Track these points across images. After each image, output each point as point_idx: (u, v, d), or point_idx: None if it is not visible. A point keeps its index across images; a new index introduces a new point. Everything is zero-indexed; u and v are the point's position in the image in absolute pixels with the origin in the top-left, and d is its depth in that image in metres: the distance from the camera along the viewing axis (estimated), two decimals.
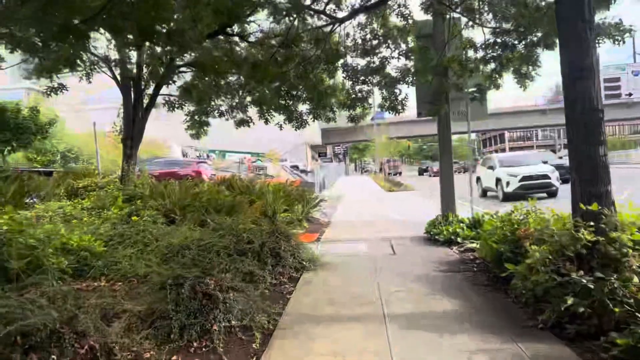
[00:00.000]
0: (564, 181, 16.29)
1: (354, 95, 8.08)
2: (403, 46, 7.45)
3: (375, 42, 7.23)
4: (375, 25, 7.26)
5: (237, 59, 6.50)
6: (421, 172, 64.93)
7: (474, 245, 7.07)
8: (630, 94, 44.17)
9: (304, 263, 6.18)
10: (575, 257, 3.70)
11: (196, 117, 10.26)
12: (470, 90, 8.93)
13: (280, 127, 9.61)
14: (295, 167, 40.44)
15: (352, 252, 7.41)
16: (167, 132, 50.93)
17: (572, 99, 4.20)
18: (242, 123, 10.46)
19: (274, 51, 7.06)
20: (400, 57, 7.25)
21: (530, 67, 6.93)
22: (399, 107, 7.77)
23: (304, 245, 6.85)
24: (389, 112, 8.23)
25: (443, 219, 8.35)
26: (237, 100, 9.67)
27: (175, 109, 11.56)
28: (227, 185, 10.85)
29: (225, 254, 5.70)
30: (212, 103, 9.86)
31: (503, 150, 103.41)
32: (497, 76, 7.56)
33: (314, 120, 9.08)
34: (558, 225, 4.06)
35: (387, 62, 7.40)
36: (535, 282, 3.72)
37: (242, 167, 26.25)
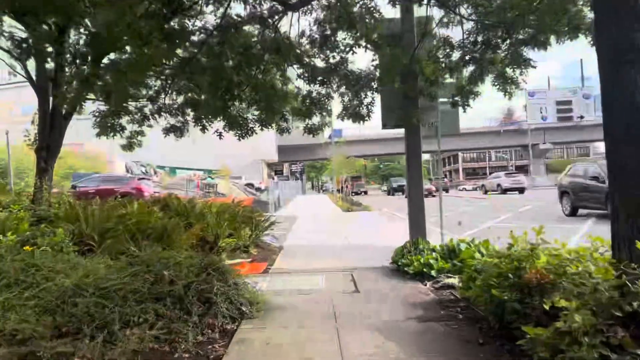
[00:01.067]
0: None
1: (309, 101, 6.81)
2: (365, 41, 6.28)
3: (334, 24, 6.03)
4: (334, 14, 6.06)
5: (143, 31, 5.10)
6: (391, 191, 58.04)
7: (452, 281, 5.90)
8: (581, 117, 45.34)
9: (244, 309, 4.80)
10: (629, 319, 2.53)
11: (109, 119, 8.56)
12: (446, 99, 7.92)
13: (220, 135, 8.19)
14: (250, 184, 38.87)
15: (306, 289, 6.08)
16: (113, 146, 48.32)
17: (617, 89, 3.09)
18: (172, 131, 8.99)
19: (206, 36, 5.72)
20: (367, 46, 6.04)
21: (518, 71, 5.91)
22: (364, 113, 6.59)
23: (246, 282, 5.47)
24: (353, 121, 7.04)
25: (412, 246, 7.17)
26: (164, 101, 8.18)
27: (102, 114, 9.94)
28: (163, 205, 9.33)
29: (134, 300, 4.27)
30: (133, 103, 8.24)
31: (456, 171, 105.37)
32: (476, 81, 6.52)
33: (261, 129, 7.73)
34: (600, 272, 2.88)
35: (350, 51, 6.19)
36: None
37: (191, 185, 24.53)
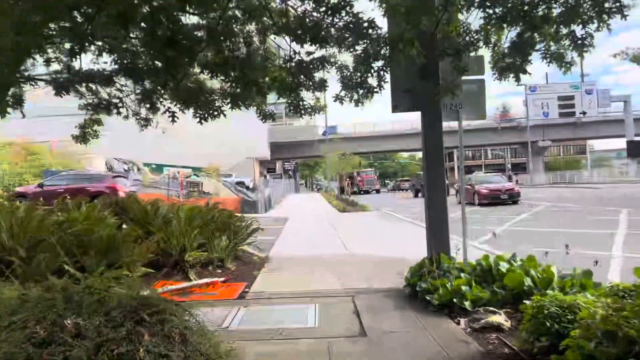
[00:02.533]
0: None
1: (295, 67, 5.02)
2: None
3: None
4: None
5: None
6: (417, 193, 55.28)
7: (496, 319, 4.21)
8: (584, 113, 43.94)
9: None
10: None
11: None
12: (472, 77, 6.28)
13: (173, 117, 6.38)
14: (241, 183, 37.05)
15: (292, 329, 4.38)
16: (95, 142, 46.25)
17: None
18: (101, 109, 7.16)
19: None
20: None
21: (594, 26, 4.17)
22: (373, 86, 4.87)
23: (205, 326, 3.74)
24: (356, 104, 5.33)
25: (432, 263, 5.48)
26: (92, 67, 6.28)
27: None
28: (119, 208, 7.58)
29: None
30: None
31: (452, 169, 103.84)
32: (525, 47, 4.83)
33: (231, 108, 5.94)
34: None
35: None
36: None
37: (175, 183, 22.74)
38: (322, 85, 5.24)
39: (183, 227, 7.04)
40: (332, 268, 7.35)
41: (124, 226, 7.06)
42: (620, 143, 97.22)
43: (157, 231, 6.81)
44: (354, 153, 48.07)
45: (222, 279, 6.38)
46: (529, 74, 6.01)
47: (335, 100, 5.77)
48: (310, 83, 5.13)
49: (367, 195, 48.46)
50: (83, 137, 8.52)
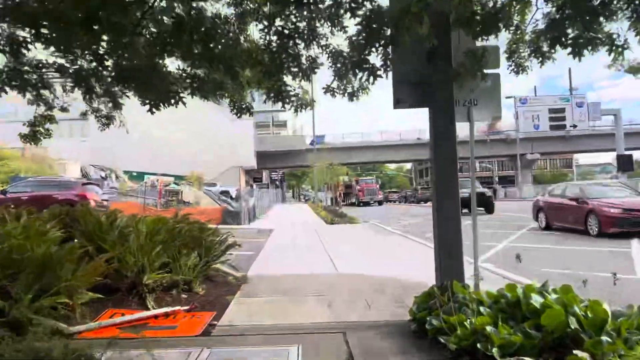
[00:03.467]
0: None
1: (277, 45, 3.96)
2: None
3: None
4: None
5: None
6: (415, 199, 53.48)
7: None
8: (574, 126, 43.56)
9: None
10: None
11: None
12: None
13: (115, 104, 5.24)
14: (226, 192, 35.81)
15: None
16: (67, 147, 44.70)
17: None
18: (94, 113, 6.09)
19: None
20: None
21: None
22: (379, 69, 3.85)
23: None
24: (350, 98, 4.33)
25: (444, 293, 4.42)
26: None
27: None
28: (69, 220, 6.41)
29: None
30: None
31: None
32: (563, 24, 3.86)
33: (191, 95, 4.84)
34: None
35: None
36: None
37: (154, 192, 21.52)
38: (311, 68, 4.19)
39: (142, 243, 5.91)
40: (319, 292, 6.26)
41: (76, 241, 5.93)
42: (606, 158, 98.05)
43: (109, 248, 5.67)
44: (341, 164, 47.13)
45: (186, 307, 5.25)
46: (554, 59, 5.09)
47: (326, 92, 4.75)
48: (296, 64, 4.08)
49: (359, 208, 45.53)
50: (33, 136, 7.42)
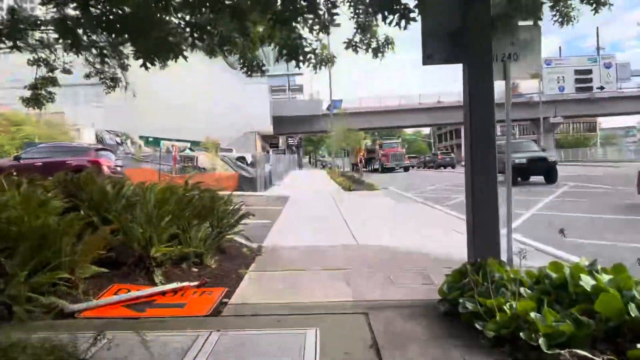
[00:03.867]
0: None
1: None
2: None
3: None
4: None
5: None
6: (435, 164, 53.88)
7: None
8: (601, 87, 41.82)
9: None
10: None
11: None
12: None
13: (103, 59, 4.77)
14: (242, 158, 35.55)
15: None
16: (84, 111, 44.62)
17: None
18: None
19: None
20: None
21: None
22: (412, 10, 3.31)
23: None
24: (378, 52, 3.79)
25: (477, 271, 3.97)
26: None
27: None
28: (73, 188, 6.06)
29: None
30: None
31: (459, 146, 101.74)
32: None
33: (191, 48, 4.31)
34: None
35: None
36: None
37: (169, 158, 21.23)
38: (330, 14, 3.64)
39: (150, 213, 5.54)
40: (338, 266, 5.87)
41: (80, 212, 5.59)
42: (631, 121, 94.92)
43: (114, 218, 5.32)
44: (359, 129, 46.25)
45: (196, 283, 4.89)
46: (611, 5, 4.47)
47: (347, 47, 4.23)
48: (312, 10, 3.53)
49: (383, 175, 42.47)
50: (35, 100, 7.01)
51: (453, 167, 52.25)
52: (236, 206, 6.83)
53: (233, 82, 46.72)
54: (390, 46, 4.53)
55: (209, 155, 23.17)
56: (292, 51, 3.81)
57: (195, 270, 5.49)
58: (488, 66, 4.18)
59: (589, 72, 40.42)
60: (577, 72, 40.74)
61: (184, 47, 4.18)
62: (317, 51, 4.08)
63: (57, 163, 14.62)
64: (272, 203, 14.66)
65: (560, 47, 54.04)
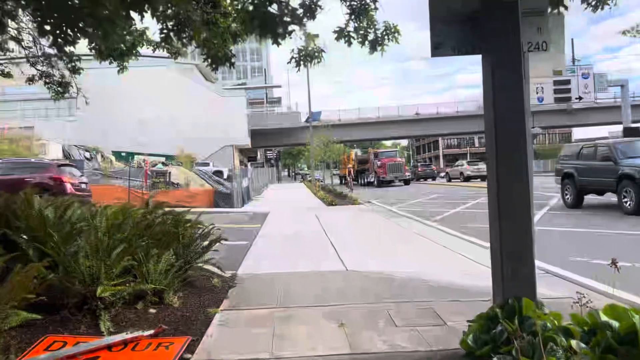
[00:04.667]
0: None
1: None
2: None
3: None
4: None
5: None
6: (415, 176, 48.72)
7: None
8: (579, 98, 42.04)
9: None
10: None
11: None
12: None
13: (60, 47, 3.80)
14: (219, 172, 34.43)
15: None
16: (49, 126, 42.97)
17: None
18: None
19: None
20: None
21: None
22: None
23: None
24: (376, 45, 2.94)
25: (510, 317, 3.08)
26: None
27: None
28: (9, 214, 4.99)
29: None
30: None
31: (437, 157, 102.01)
32: None
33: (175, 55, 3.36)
34: None
35: None
36: None
37: (140, 173, 20.06)
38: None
39: (98, 243, 4.53)
40: (326, 300, 4.95)
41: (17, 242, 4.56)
42: (603, 132, 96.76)
43: (52, 251, 4.30)
44: (339, 141, 45.42)
45: (151, 331, 3.90)
46: None
47: (338, 38, 3.38)
48: None
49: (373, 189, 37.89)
50: None
51: (433, 178, 51.86)
52: (206, 229, 5.85)
53: (210, 95, 45.73)
54: (393, 36, 3.68)
55: (183, 169, 22.03)
56: (267, 22, 2.88)
57: (153, 311, 4.49)
58: (516, 56, 3.34)
59: (568, 82, 40.51)
60: (555, 82, 40.86)
61: (118, 23, 3.24)
62: (301, 35, 3.21)
63: (15, 181, 13.39)
64: (250, 221, 13.66)
65: None
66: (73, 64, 6.02)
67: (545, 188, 20.06)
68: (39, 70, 5.98)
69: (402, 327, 4.02)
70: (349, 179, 35.17)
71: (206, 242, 5.67)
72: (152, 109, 42.98)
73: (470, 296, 4.95)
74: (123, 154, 36.29)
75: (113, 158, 28.14)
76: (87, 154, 24.65)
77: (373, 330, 3.96)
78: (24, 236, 4.66)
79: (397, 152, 46.54)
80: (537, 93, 44.43)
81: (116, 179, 19.88)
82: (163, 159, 30.98)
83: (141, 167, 20.64)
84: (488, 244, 8.23)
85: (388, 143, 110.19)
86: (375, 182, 40.18)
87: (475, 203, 17.53)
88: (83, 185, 14.60)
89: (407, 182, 39.80)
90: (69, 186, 13.78)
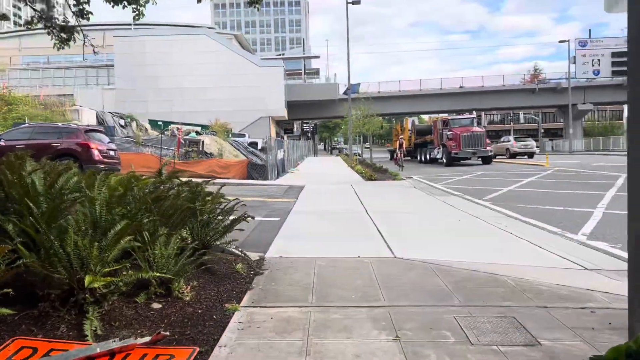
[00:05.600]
0: None
1: None
2: None
3: None
4: None
5: None
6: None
7: None
8: None
9: None
10: None
11: None
12: None
13: None
14: (254, 144, 33.72)
15: None
16: (95, 95, 43.13)
17: None
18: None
19: None
20: None
21: None
22: None
23: None
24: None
25: None
26: None
27: None
28: None
29: None
30: None
31: None
32: None
33: None
34: None
35: None
36: None
37: (173, 142, 19.43)
38: None
39: (93, 219, 3.63)
40: (374, 297, 3.93)
41: None
42: None
43: (29, 228, 3.42)
44: (378, 114, 43.81)
45: (147, 338, 2.98)
46: None
47: None
48: None
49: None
50: None
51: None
52: (227, 204, 4.89)
53: (248, 66, 44.81)
54: None
55: (217, 139, 21.28)
56: None
57: (157, 306, 3.59)
58: None
59: (626, 53, 37.43)
60: (614, 54, 37.82)
61: None
62: None
63: (41, 145, 12.87)
64: (284, 195, 12.75)
65: (590, 30, 50.73)
66: (80, 6, 5.09)
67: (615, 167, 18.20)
68: (37, 11, 5.05)
69: (479, 345, 2.97)
70: (398, 153, 28.00)
71: (226, 222, 4.71)
72: (191, 79, 42.64)
73: (561, 301, 3.84)
74: (159, 123, 35.90)
75: (148, 126, 27.66)
76: (122, 122, 24.20)
77: (441, 349, 2.92)
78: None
79: (473, 119, 33.97)
80: (592, 65, 41.46)
81: (149, 147, 19.31)
82: (198, 129, 30.40)
83: (174, 135, 19.98)
84: (556, 228, 6.86)
85: (425, 117, 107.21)
86: (444, 159, 30.61)
87: (527, 182, 16.06)
88: (112, 153, 13.97)
89: (487, 159, 29.85)
90: (96, 152, 13.15)
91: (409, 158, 36.92)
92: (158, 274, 3.71)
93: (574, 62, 41.11)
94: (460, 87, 53.41)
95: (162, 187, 4.53)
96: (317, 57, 64.61)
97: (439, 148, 31.92)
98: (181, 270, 3.87)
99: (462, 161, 30.41)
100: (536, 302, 3.81)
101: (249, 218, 4.88)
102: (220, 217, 4.73)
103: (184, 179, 5.04)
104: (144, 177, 4.81)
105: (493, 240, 6.63)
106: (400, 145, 28.51)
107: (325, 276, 4.62)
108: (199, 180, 5.29)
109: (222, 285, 4.23)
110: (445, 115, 40.15)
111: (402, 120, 45.55)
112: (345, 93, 47.99)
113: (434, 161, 33.04)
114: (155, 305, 3.60)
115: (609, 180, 14.94)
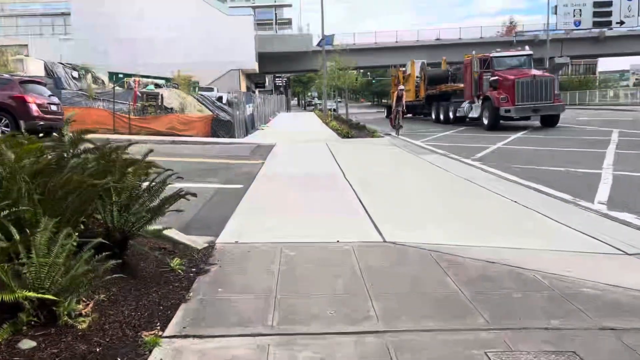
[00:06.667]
0: None
1: None
2: None
3: None
4: None
5: None
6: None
7: None
8: (621, 22, 37.77)
9: None
10: None
11: None
12: None
13: None
14: (219, 98, 31.76)
15: None
16: (51, 46, 39.94)
17: None
18: None
19: None
20: None
21: None
22: None
23: None
24: None
25: None
26: None
27: None
28: None
29: None
30: None
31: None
32: None
33: None
34: None
35: None
36: None
37: (129, 95, 17.56)
38: None
39: None
40: (364, 315, 2.72)
41: None
42: (623, 64, 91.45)
43: None
44: (353, 67, 41.98)
45: None
46: None
47: None
48: None
49: (373, 116, 34.09)
50: None
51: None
52: (158, 177, 3.53)
53: (216, 15, 42.05)
54: None
55: (178, 92, 19.45)
56: None
57: (27, 347, 2.29)
58: None
59: (609, 4, 36.28)
60: (596, 4, 36.61)
61: None
62: None
63: None
64: (250, 155, 11.37)
65: None
66: None
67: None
68: None
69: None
70: (395, 111, 18.60)
71: (156, 202, 3.37)
72: (156, 30, 39.80)
73: (627, 314, 2.71)
74: (120, 76, 33.49)
75: (106, 79, 25.46)
76: (75, 74, 21.97)
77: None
78: None
79: (530, 58, 21.10)
80: (574, 16, 40.21)
81: (102, 101, 17.43)
82: (158, 81, 28.19)
83: (131, 88, 18.12)
84: (566, 195, 5.62)
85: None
86: (488, 119, 19.49)
87: (514, 138, 15.02)
88: (53, 107, 12.20)
89: (553, 120, 19.26)
90: (34, 107, 11.40)
91: (421, 116, 29.43)
92: (33, 294, 2.39)
93: (555, 13, 39.73)
94: (437, 39, 51.69)
95: (52, 154, 3.14)
96: (289, 5, 61.39)
97: (475, 102, 21.12)
98: (73, 283, 2.56)
99: (519, 121, 19.92)
100: (594, 318, 2.67)
101: (189, 195, 3.55)
102: (146, 196, 3.38)
103: (125, 139, 3.63)
104: (32, 139, 3.39)
105: (496, 212, 5.49)
106: (399, 98, 18.41)
107: (294, 275, 3.39)
108: (124, 142, 3.88)
109: (145, 296, 2.96)
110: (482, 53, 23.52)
111: (407, 65, 34.98)
112: (319, 44, 45.77)
113: (460, 120, 22.78)
114: (25, 345, 2.30)
115: (602, 137, 14.01)
